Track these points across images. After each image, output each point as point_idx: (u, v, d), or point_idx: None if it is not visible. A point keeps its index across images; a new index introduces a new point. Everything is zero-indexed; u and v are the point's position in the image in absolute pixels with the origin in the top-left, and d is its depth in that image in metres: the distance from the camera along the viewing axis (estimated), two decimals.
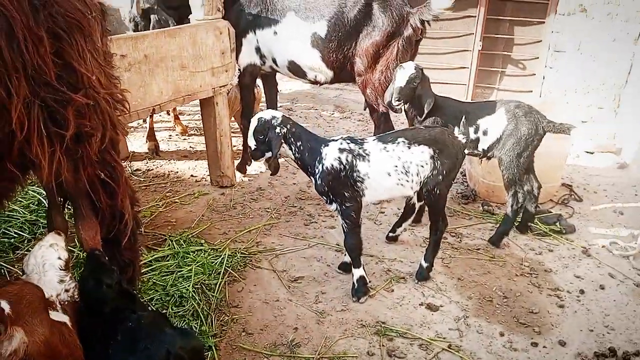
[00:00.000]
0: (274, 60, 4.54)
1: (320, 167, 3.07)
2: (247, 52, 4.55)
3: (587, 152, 5.70)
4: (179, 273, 3.36)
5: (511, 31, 6.51)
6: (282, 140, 3.08)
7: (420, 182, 3.14)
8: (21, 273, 3.35)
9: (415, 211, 3.77)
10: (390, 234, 3.80)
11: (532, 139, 3.50)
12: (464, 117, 3.38)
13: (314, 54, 4.29)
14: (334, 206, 3.16)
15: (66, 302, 2.20)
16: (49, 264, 2.20)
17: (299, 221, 4.16)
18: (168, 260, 3.51)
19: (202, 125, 6.01)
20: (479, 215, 4.24)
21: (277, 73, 4.88)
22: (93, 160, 2.25)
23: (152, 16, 4.42)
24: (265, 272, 3.48)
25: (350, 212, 3.11)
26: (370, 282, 3.35)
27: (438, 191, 3.15)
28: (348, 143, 3.10)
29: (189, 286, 3.21)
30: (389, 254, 3.67)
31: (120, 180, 2.50)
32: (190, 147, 5.68)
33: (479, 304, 3.18)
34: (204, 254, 3.58)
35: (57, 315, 1.99)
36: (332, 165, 3.04)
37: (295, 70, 4.47)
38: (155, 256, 3.53)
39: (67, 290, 2.21)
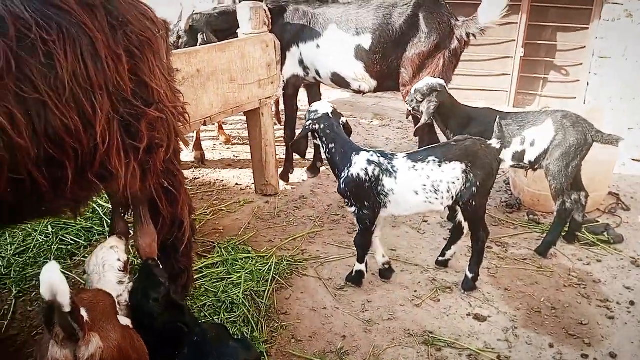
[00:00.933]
0: (317, 72, 4.64)
1: (346, 172, 3.17)
2: (291, 65, 4.66)
3: (634, 160, 5.58)
4: (228, 280, 3.46)
5: (554, 37, 6.43)
6: (316, 135, 3.27)
7: (453, 197, 3.14)
8: (78, 278, 3.56)
9: (465, 233, 3.54)
10: (440, 258, 3.66)
11: (581, 149, 3.47)
12: (497, 118, 3.31)
13: (358, 65, 4.35)
14: (353, 209, 3.26)
15: (127, 304, 2.32)
16: (108, 265, 2.32)
17: (342, 229, 4.21)
18: (217, 267, 3.62)
19: (244, 135, 6.20)
20: (524, 225, 4.21)
21: (320, 83, 4.97)
22: (159, 170, 2.39)
23: (199, 36, 4.58)
24: (311, 279, 3.56)
25: (365, 219, 3.23)
26: (415, 291, 3.40)
27: (474, 202, 3.14)
28: (378, 156, 3.17)
29: (239, 293, 3.31)
30: (433, 263, 3.68)
31: (181, 188, 2.66)
32: (234, 156, 5.81)
33: (527, 314, 3.18)
34: (252, 261, 3.68)
35: (122, 319, 2.11)
36: (358, 175, 3.13)
37: (339, 81, 4.55)
38: (206, 263, 3.65)
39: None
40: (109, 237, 2.54)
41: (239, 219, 4.39)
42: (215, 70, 3.76)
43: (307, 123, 3.29)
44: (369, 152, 3.21)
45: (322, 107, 3.32)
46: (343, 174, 3.19)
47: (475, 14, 3.95)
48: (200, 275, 3.49)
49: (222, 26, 4.63)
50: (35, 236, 3.90)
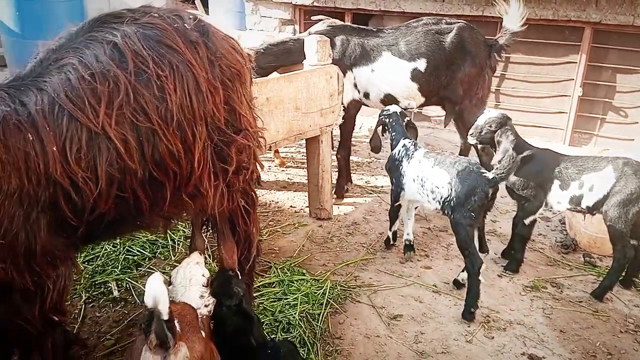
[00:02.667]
0: (366, 94, 5.00)
1: (391, 151, 4.06)
2: (348, 90, 4.88)
3: None
4: (285, 300, 3.58)
5: (613, 79, 6.39)
6: (386, 127, 4.21)
7: (439, 202, 3.63)
8: (144, 289, 3.74)
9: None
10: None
11: None
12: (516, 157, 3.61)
13: (412, 86, 4.83)
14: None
15: (204, 317, 2.46)
16: (194, 279, 2.47)
17: (394, 258, 4.28)
18: (274, 287, 3.75)
19: (297, 157, 6.39)
20: (580, 267, 4.17)
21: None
22: (239, 190, 2.57)
23: None
24: (364, 306, 3.63)
25: (392, 194, 4.12)
26: (469, 326, 3.42)
27: (452, 217, 3.52)
28: (411, 144, 3.98)
29: (295, 314, 3.42)
30: (487, 300, 3.69)
31: (255, 208, 2.83)
32: (288, 178, 5.98)
33: (582, 358, 3.16)
34: (307, 284, 3.79)
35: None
36: (394, 154, 4.05)
37: (390, 100, 4.94)
38: (263, 282, 3.79)
39: (206, 306, 2.47)
40: (190, 253, 2.70)
41: (294, 240, 4.52)
42: (282, 99, 3.96)
43: (380, 117, 4.23)
44: (409, 139, 4.04)
45: (393, 107, 4.24)
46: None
47: (505, 28, 4.69)
48: (259, 294, 3.63)
49: (265, 60, 4.70)
50: (104, 245, 4.12)
